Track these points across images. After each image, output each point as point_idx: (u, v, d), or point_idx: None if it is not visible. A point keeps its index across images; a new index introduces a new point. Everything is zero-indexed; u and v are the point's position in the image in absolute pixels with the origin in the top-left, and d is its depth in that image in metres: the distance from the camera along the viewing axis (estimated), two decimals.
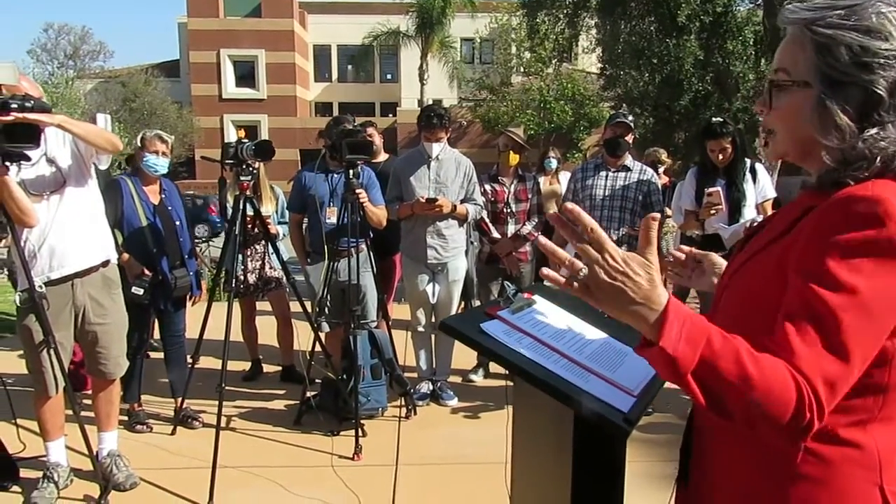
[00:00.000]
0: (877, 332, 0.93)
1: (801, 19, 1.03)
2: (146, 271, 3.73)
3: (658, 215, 1.01)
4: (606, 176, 4.14)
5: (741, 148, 3.99)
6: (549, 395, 1.22)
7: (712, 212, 3.80)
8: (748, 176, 3.95)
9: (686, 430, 1.25)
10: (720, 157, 3.92)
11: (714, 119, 4.05)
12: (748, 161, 4.02)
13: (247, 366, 4.96)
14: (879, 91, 0.97)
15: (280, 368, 4.92)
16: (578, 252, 0.95)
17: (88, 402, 3.60)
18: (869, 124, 0.98)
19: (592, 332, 1.51)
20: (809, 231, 0.98)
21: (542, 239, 0.95)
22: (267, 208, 4.57)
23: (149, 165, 3.81)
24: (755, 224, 3.92)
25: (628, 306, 0.93)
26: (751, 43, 12.53)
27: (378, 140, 4.88)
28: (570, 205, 0.98)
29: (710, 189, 3.81)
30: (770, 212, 4.03)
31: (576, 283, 0.95)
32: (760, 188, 3.98)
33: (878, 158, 0.97)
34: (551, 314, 1.51)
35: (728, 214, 3.87)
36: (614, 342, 1.49)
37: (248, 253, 4.56)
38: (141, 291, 3.66)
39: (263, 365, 4.99)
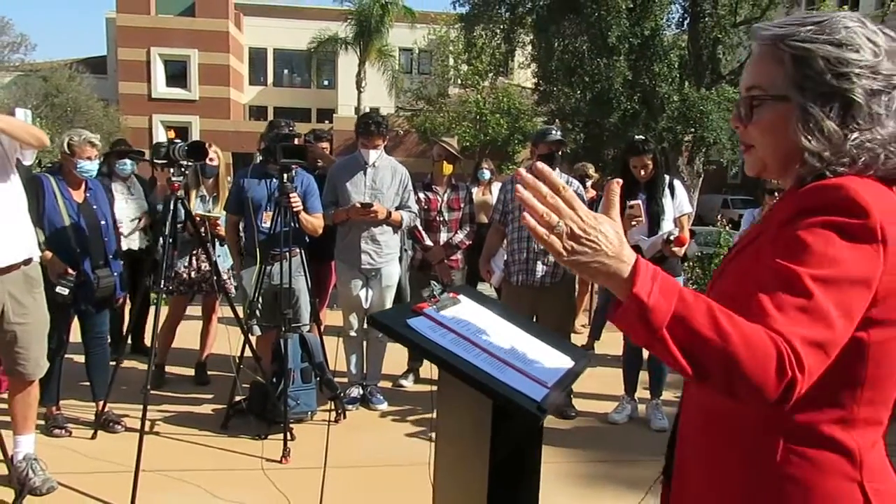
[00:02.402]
0: (851, 300, 0.94)
1: (776, 35, 1.07)
2: (69, 270, 3.64)
3: (620, 180, 1.05)
4: None
5: (662, 165, 4.21)
6: (468, 386, 1.30)
7: (633, 223, 3.99)
8: (667, 191, 4.17)
9: (671, 435, 1.26)
10: (641, 172, 4.13)
11: (636, 137, 4.27)
12: (667, 177, 4.25)
13: (173, 369, 4.87)
14: (858, 99, 1.02)
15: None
16: (550, 210, 0.94)
17: (3, 405, 3.48)
18: (850, 131, 1.02)
19: (513, 331, 1.61)
20: (782, 217, 1.02)
21: (521, 189, 0.95)
22: (222, 209, 4.55)
23: (83, 171, 3.71)
24: (672, 237, 4.11)
25: (602, 260, 0.94)
26: (676, 66, 13.13)
27: (326, 152, 5.02)
28: (539, 164, 0.98)
29: (632, 202, 4.01)
30: (686, 225, 4.27)
31: (552, 235, 0.94)
32: (678, 203, 4.21)
33: (863, 160, 1.01)
34: (475, 313, 1.60)
35: (648, 227, 4.08)
36: (532, 340, 1.60)
37: (195, 252, 4.53)
38: (66, 291, 3.56)
39: (184, 369, 4.92)
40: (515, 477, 1.56)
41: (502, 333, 1.55)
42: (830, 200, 0.97)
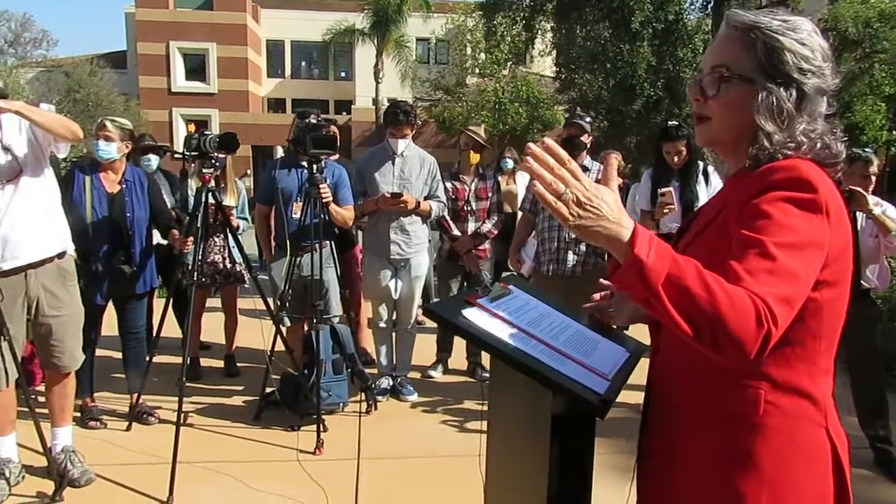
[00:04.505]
0: (808, 261, 1.07)
1: (752, 21, 1.19)
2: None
3: (618, 154, 1.13)
4: None
5: (695, 151, 4.13)
6: (528, 378, 1.26)
7: (665, 211, 3.91)
8: (701, 178, 4.09)
9: (644, 407, 1.33)
10: (675, 158, 4.05)
11: (670, 122, 4.19)
12: (701, 164, 4.16)
13: (202, 361, 4.89)
14: (809, 93, 1.18)
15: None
16: (557, 180, 1.04)
17: (39, 398, 3.51)
18: (799, 122, 1.18)
19: (565, 321, 1.56)
20: (743, 194, 1.13)
21: (530, 160, 1.04)
22: (229, 201, 4.53)
23: (97, 152, 3.69)
24: None
25: (605, 225, 1.04)
26: (700, 51, 12.91)
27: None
28: (547, 140, 1.07)
29: (663, 189, 3.93)
30: None
31: (559, 202, 1.04)
32: (712, 190, 4.11)
33: (804, 147, 1.16)
34: (527, 303, 1.56)
35: (682, 214, 3.99)
36: (586, 330, 1.56)
37: (208, 245, 4.49)
38: None
39: (214, 361, 4.93)
40: (573, 470, 1.52)
41: (556, 324, 1.51)
42: (785, 178, 1.11)
